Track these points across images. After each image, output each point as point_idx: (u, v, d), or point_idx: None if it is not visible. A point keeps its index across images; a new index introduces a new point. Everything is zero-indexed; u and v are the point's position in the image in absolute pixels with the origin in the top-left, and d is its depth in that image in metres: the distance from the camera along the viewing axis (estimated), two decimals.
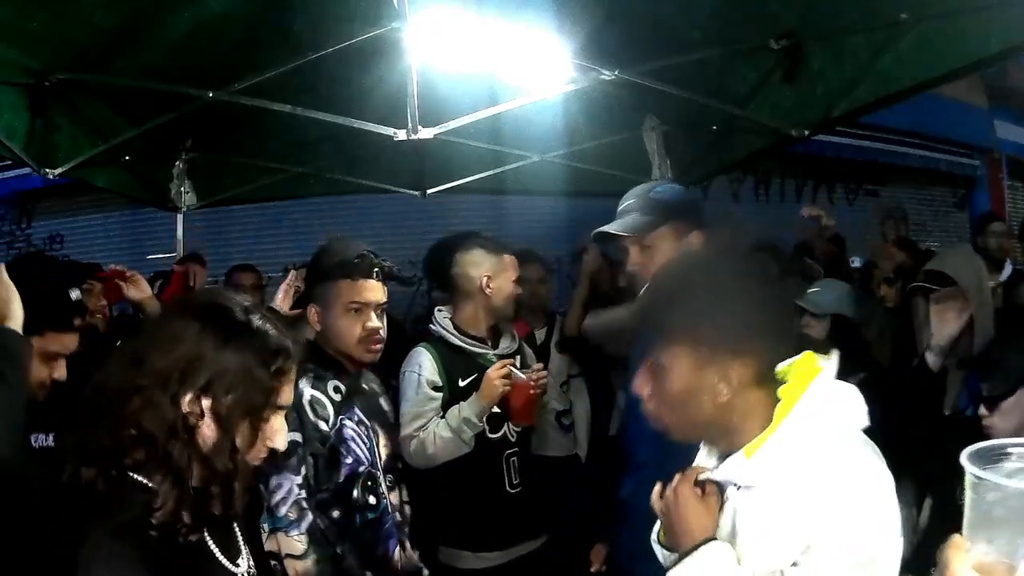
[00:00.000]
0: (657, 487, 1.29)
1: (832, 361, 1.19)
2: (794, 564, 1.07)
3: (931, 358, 2.24)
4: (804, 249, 3.99)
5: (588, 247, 3.32)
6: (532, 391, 2.37)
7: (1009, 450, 0.62)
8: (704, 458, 1.28)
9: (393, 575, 1.91)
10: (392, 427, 2.12)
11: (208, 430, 1.11)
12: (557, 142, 3.66)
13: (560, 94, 2.90)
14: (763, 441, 1.13)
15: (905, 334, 2.79)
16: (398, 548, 1.94)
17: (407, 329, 4.14)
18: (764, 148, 3.36)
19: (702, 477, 1.22)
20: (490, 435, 2.41)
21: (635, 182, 2.19)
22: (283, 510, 1.71)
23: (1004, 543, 0.58)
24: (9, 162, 4.66)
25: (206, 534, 1.13)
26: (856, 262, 4.18)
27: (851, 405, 1.16)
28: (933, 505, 2.07)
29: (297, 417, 1.78)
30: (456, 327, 2.49)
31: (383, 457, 1.96)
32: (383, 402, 2.12)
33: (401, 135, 2.96)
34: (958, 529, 0.68)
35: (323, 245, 2.04)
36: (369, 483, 1.89)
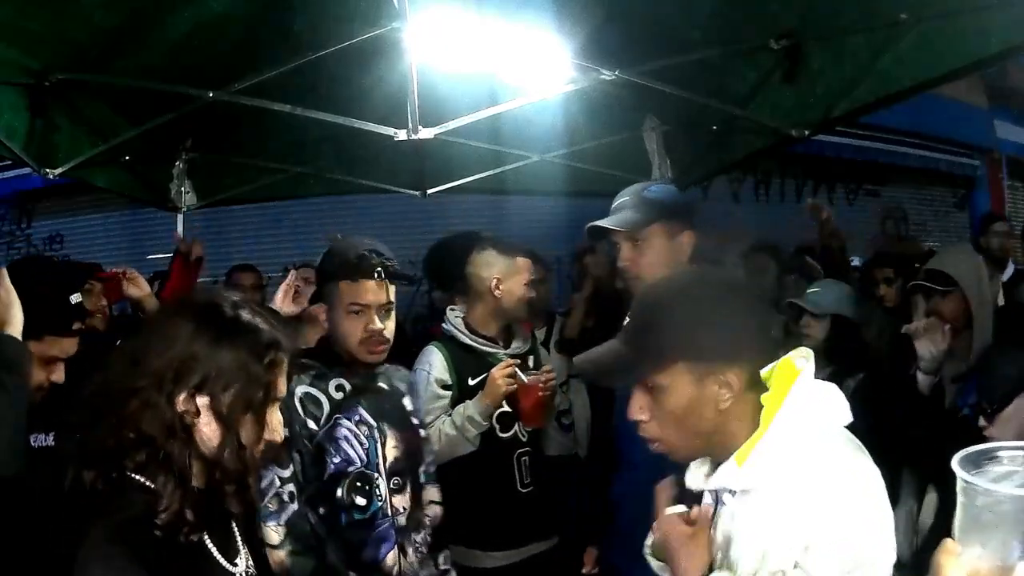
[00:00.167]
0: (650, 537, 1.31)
1: (809, 362, 1.20)
2: (796, 566, 1.07)
3: (922, 379, 2.27)
4: (805, 249, 4.00)
5: (595, 248, 3.32)
6: (541, 393, 2.36)
7: (999, 453, 0.62)
8: (696, 466, 1.29)
9: None
10: (408, 429, 2.05)
11: (208, 429, 1.12)
12: (557, 142, 3.65)
13: (560, 94, 2.89)
14: (753, 446, 1.15)
15: (904, 334, 2.79)
16: (394, 552, 1.90)
17: (407, 329, 4.14)
18: (764, 148, 3.35)
19: (681, 511, 1.26)
20: (501, 435, 2.42)
21: (635, 182, 2.20)
22: (262, 501, 1.73)
23: (997, 545, 0.58)
24: (9, 162, 4.65)
25: (206, 534, 1.14)
26: (856, 262, 4.18)
27: (833, 404, 1.18)
28: (934, 505, 2.07)
29: (288, 414, 1.78)
30: (467, 326, 2.50)
31: (388, 459, 1.94)
32: (406, 402, 2.07)
33: (402, 135, 2.96)
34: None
35: (332, 244, 2.04)
36: (358, 484, 1.88)
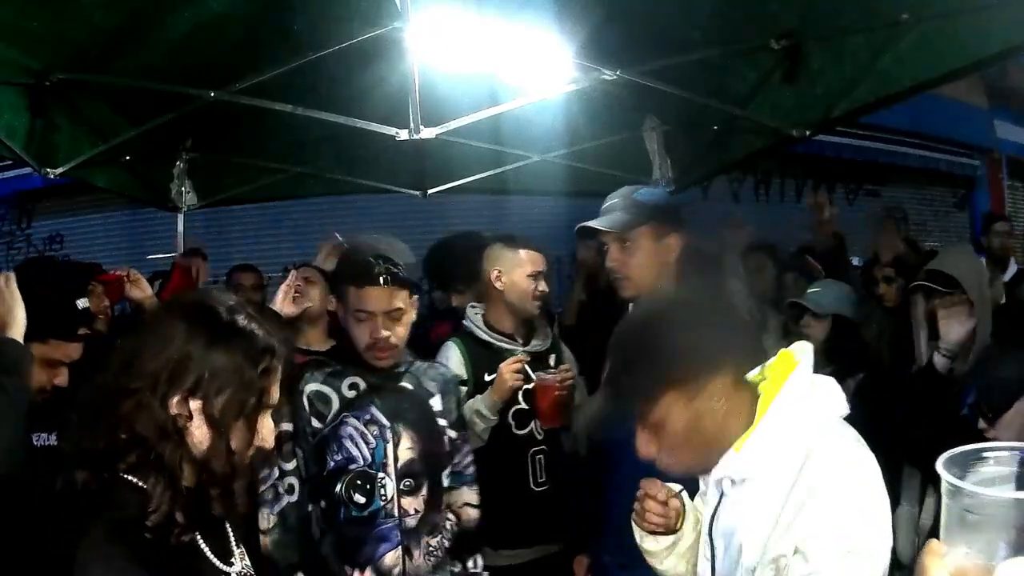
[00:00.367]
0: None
1: (808, 354, 1.23)
2: (795, 551, 1.09)
3: (940, 361, 2.25)
4: (806, 249, 4.00)
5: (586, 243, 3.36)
6: (557, 392, 2.35)
7: (985, 454, 0.62)
8: None
9: None
10: (428, 430, 2.02)
11: (200, 432, 1.12)
12: (557, 142, 3.65)
13: (561, 94, 2.90)
14: (749, 435, 1.18)
15: (904, 334, 2.79)
16: (395, 553, 1.89)
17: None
18: (764, 148, 3.35)
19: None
20: (516, 432, 2.42)
21: (635, 182, 2.22)
22: (259, 489, 1.77)
23: (983, 546, 0.58)
24: (9, 162, 4.66)
25: (198, 535, 1.14)
26: (856, 262, 4.19)
27: (830, 395, 1.21)
28: (934, 505, 2.07)
29: (294, 409, 1.85)
30: (486, 323, 2.52)
31: (400, 460, 1.92)
32: (433, 403, 2.05)
33: (403, 135, 2.95)
34: None
35: (348, 245, 2.04)
36: (358, 482, 1.88)
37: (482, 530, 2.13)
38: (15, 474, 1.46)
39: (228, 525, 1.23)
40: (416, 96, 2.69)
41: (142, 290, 2.64)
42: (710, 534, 1.27)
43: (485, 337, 2.51)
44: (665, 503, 1.37)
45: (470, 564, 2.08)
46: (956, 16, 2.18)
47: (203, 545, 1.14)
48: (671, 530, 1.38)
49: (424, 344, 2.62)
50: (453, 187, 4.17)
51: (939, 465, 0.61)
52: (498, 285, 2.50)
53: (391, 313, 1.90)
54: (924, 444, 2.15)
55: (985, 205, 8.29)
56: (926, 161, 8.17)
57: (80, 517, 1.04)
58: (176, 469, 1.09)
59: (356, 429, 1.90)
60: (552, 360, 2.56)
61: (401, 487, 1.92)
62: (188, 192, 3.86)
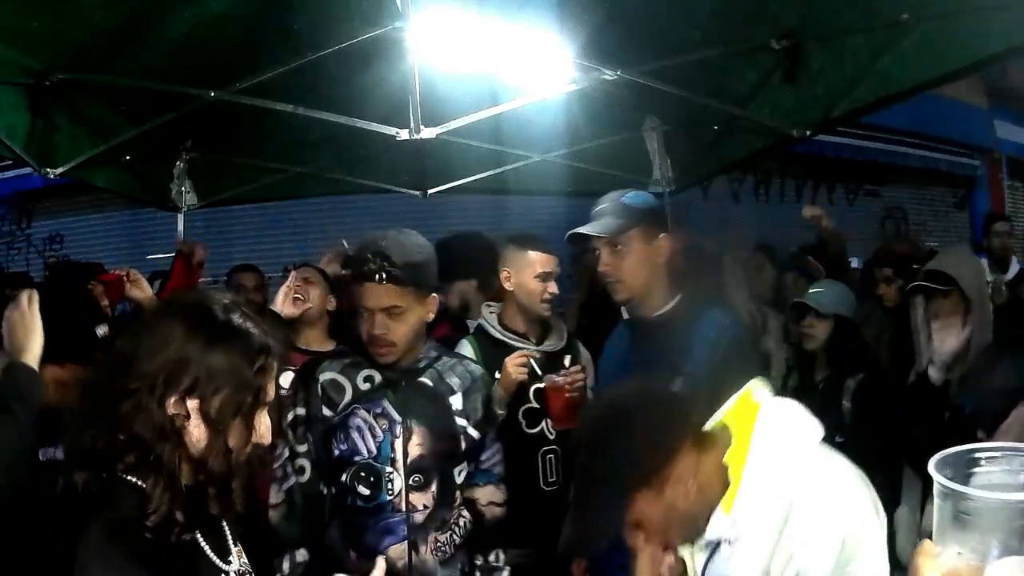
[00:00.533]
0: None
1: (765, 392, 1.24)
2: None
3: (934, 373, 2.25)
4: (807, 249, 4.00)
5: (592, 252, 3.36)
6: (567, 394, 2.31)
7: (977, 455, 0.62)
8: None
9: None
10: (443, 427, 1.98)
11: (198, 431, 1.12)
12: (558, 142, 3.65)
13: (561, 94, 2.90)
14: (735, 495, 1.20)
15: (904, 334, 2.79)
16: (400, 547, 1.88)
17: None
18: (764, 148, 3.36)
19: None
20: (527, 430, 2.42)
21: (635, 182, 2.22)
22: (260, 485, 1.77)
23: (976, 545, 0.58)
24: (9, 162, 4.66)
25: (198, 534, 1.14)
26: (856, 262, 4.19)
27: (801, 427, 1.22)
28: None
29: (307, 395, 1.90)
30: (500, 322, 2.56)
31: (409, 455, 1.91)
32: (453, 400, 2.01)
33: (404, 135, 2.95)
34: None
35: (360, 241, 2.01)
36: (362, 474, 1.88)
37: (504, 527, 2.11)
38: (18, 494, 1.46)
39: (225, 523, 1.23)
40: (416, 96, 2.69)
41: (142, 290, 2.64)
42: None
43: (499, 336, 2.53)
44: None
45: (491, 558, 2.07)
46: (956, 16, 2.18)
47: (203, 543, 1.15)
48: None
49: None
50: (453, 187, 4.16)
51: (931, 466, 0.61)
52: (508, 285, 2.53)
53: (388, 310, 1.87)
54: (924, 444, 2.15)
55: (985, 205, 8.30)
56: (926, 161, 8.17)
57: (80, 517, 1.04)
58: (175, 469, 1.09)
59: (365, 421, 1.90)
60: (567, 360, 2.56)
61: (410, 482, 1.90)
62: (188, 192, 3.85)
